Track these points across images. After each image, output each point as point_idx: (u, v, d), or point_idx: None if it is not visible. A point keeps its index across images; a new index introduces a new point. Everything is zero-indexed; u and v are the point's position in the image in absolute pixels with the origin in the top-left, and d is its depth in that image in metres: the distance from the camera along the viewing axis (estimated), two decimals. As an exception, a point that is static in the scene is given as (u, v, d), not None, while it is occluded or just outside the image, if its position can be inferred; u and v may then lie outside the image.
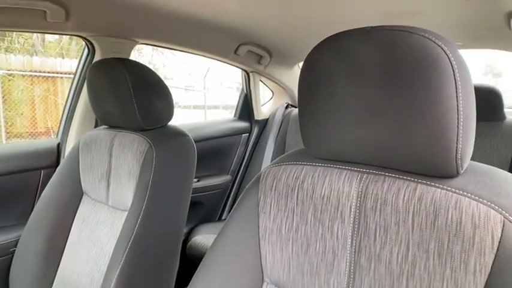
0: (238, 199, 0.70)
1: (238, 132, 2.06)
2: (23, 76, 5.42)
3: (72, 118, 1.44)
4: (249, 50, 1.78)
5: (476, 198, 0.49)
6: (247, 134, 2.11)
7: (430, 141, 0.49)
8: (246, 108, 2.11)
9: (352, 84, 0.54)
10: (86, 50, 1.40)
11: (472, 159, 0.54)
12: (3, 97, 5.17)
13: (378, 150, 0.55)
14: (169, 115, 1.17)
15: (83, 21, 1.22)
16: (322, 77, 0.57)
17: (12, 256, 1.18)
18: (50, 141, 1.43)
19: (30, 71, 5.46)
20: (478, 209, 0.48)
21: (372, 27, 0.53)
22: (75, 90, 1.43)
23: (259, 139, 2.13)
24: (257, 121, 2.12)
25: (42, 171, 1.37)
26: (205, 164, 1.88)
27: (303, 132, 0.64)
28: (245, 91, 2.08)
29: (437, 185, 0.52)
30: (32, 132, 5.48)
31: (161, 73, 8.59)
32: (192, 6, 1.27)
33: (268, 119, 2.16)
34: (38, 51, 5.79)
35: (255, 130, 2.11)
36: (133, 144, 1.09)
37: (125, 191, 1.09)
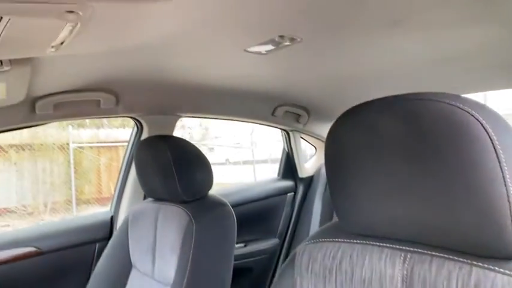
0: (274, 280, 0.67)
1: (283, 192, 2.04)
2: (91, 147, 6.03)
3: (123, 191, 1.54)
4: (286, 110, 1.82)
5: None
6: (293, 193, 2.07)
7: (477, 219, 0.44)
8: (289, 167, 2.10)
9: (378, 157, 0.52)
10: (135, 128, 1.53)
11: None
12: (74, 167, 5.75)
13: (418, 227, 0.50)
14: (209, 185, 1.21)
15: (131, 105, 1.36)
16: (347, 150, 0.56)
17: None
18: (103, 214, 1.53)
19: (97, 142, 6.08)
20: None
21: (393, 96, 0.51)
22: (126, 166, 1.55)
23: (306, 198, 2.08)
24: (302, 179, 2.08)
25: (97, 244, 1.45)
26: (252, 228, 1.86)
27: (334, 205, 0.61)
28: (286, 149, 2.09)
29: (496, 268, 0.44)
30: (97, 198, 5.93)
31: (211, 132, 9.05)
32: (228, 79, 1.36)
33: (313, 176, 2.12)
34: (103, 124, 6.46)
35: (301, 189, 2.07)
36: (175, 218, 1.13)
37: (168, 264, 1.11)
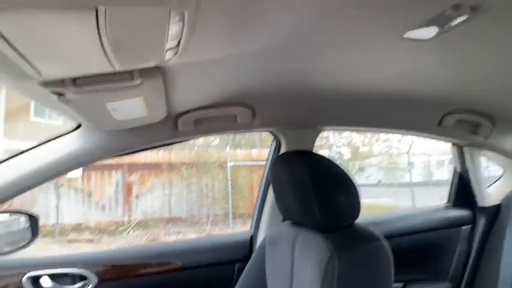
0: None
1: (456, 224, 1.60)
2: (244, 166, 6.52)
3: (262, 211, 1.45)
4: (458, 119, 1.41)
5: None
6: (470, 226, 1.60)
7: None
8: (463, 192, 1.64)
9: None
10: (274, 143, 1.44)
11: None
12: (231, 184, 6.31)
13: None
14: (356, 213, 0.98)
15: (268, 118, 1.26)
16: None
17: None
18: (243, 234, 1.48)
19: (250, 160, 6.54)
20: None
21: None
22: (265, 184, 1.47)
23: (490, 233, 1.57)
24: (483, 209, 1.59)
25: (236, 264, 1.39)
26: (412, 265, 1.50)
27: None
28: (460, 170, 1.64)
29: None
30: (250, 213, 6.31)
31: (361, 152, 8.49)
32: (378, 82, 1.11)
33: (500, 205, 1.59)
34: (256, 144, 6.94)
35: (482, 221, 1.58)
36: (314, 249, 0.94)
37: None
